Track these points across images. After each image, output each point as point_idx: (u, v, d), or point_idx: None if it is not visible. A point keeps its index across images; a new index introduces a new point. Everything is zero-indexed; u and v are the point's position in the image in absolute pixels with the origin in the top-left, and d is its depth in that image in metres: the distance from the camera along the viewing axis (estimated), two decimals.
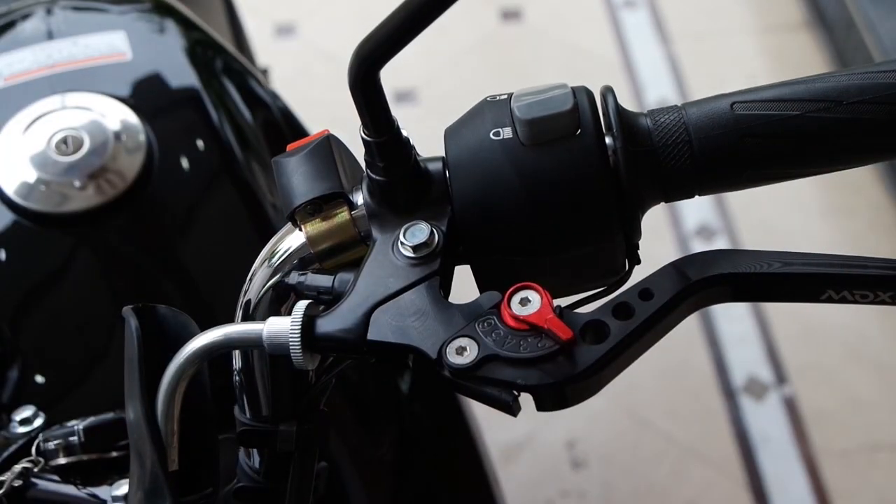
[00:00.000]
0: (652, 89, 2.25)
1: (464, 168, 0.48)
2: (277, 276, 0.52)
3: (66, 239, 0.82)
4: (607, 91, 0.49)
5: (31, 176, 0.81)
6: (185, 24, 0.98)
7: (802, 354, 1.83)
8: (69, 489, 0.67)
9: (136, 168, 0.83)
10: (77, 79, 0.88)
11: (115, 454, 0.68)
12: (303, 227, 0.50)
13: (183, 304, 0.70)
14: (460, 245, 0.49)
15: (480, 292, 0.48)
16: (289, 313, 0.47)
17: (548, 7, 2.42)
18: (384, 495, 0.84)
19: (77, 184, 0.81)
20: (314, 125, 0.78)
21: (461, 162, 0.48)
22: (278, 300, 0.52)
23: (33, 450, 0.67)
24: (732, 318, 1.88)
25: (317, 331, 0.47)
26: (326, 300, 0.49)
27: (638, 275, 0.49)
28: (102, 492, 0.66)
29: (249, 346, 0.48)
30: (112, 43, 0.91)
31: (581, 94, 0.48)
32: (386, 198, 0.49)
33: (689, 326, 1.85)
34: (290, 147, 0.52)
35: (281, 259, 0.52)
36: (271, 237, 0.53)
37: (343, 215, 0.50)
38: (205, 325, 0.50)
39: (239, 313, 0.54)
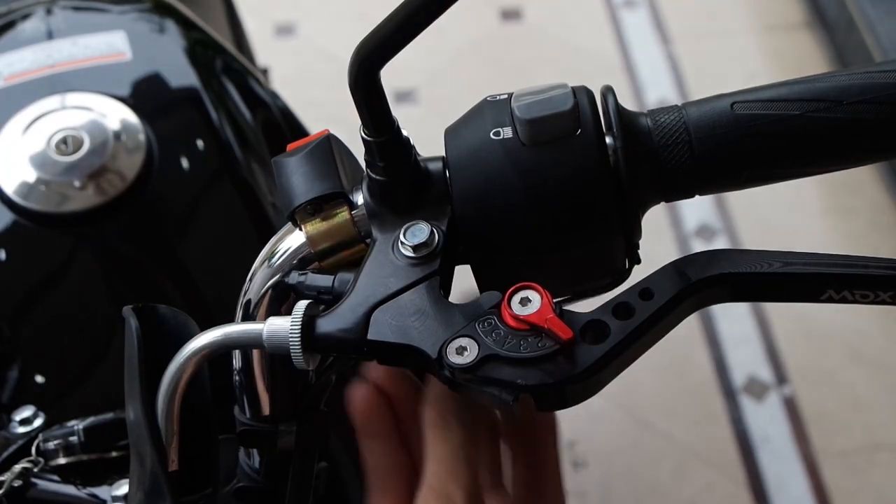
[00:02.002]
0: (652, 89, 2.25)
1: (464, 168, 0.48)
2: (277, 275, 0.52)
3: (66, 239, 0.82)
4: (607, 91, 0.49)
5: (31, 176, 0.81)
6: (185, 24, 0.98)
7: (802, 354, 1.83)
8: (69, 489, 0.67)
9: (136, 168, 0.83)
10: (77, 79, 0.88)
11: (115, 454, 0.68)
12: (303, 226, 0.50)
13: (183, 304, 0.70)
14: (460, 245, 0.49)
15: (480, 292, 0.48)
16: (289, 313, 0.47)
17: (548, 7, 2.42)
18: None
19: (77, 184, 0.81)
20: (314, 125, 0.78)
21: (461, 162, 0.48)
22: (278, 300, 0.52)
23: (33, 450, 0.67)
24: (732, 318, 1.88)
25: (317, 331, 0.47)
26: (326, 300, 0.49)
27: (638, 275, 0.49)
28: (102, 492, 0.66)
29: (249, 345, 0.48)
30: (112, 43, 0.91)
31: (581, 94, 0.48)
32: (386, 197, 0.49)
33: (689, 326, 1.85)
34: (290, 147, 0.52)
35: (281, 259, 0.52)
36: (271, 237, 0.53)
37: (343, 215, 0.50)
38: (205, 325, 0.50)
39: (239, 313, 0.54)
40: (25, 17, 0.95)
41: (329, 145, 0.51)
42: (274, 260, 0.52)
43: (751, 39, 2.34)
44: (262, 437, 0.56)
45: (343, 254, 0.51)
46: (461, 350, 0.44)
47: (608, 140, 0.48)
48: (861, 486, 1.68)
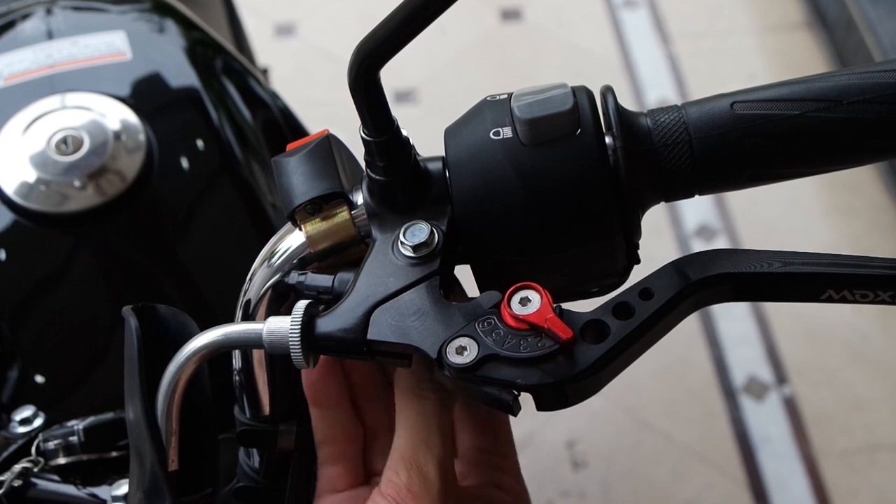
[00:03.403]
0: (652, 89, 2.25)
1: (464, 168, 0.48)
2: (277, 275, 0.52)
3: (66, 239, 0.82)
4: (607, 91, 0.49)
5: (31, 176, 0.81)
6: (185, 24, 0.98)
7: (802, 354, 1.83)
8: (69, 489, 0.67)
9: (136, 168, 0.83)
10: (77, 79, 0.88)
11: (115, 454, 0.68)
12: (303, 226, 0.50)
13: (183, 304, 0.70)
14: (460, 245, 0.49)
15: (480, 292, 0.48)
16: (289, 313, 0.47)
17: (548, 7, 2.42)
18: None
19: (77, 184, 0.81)
20: (314, 125, 0.78)
21: (461, 162, 0.48)
22: (278, 300, 0.52)
23: (33, 450, 0.67)
24: (732, 318, 1.88)
25: (317, 330, 0.47)
26: (326, 300, 0.49)
27: (638, 274, 0.49)
28: (102, 492, 0.66)
29: (249, 345, 0.48)
30: (112, 43, 0.91)
31: (581, 94, 0.48)
32: (386, 197, 0.49)
33: (689, 326, 1.85)
34: (289, 147, 0.52)
35: (281, 259, 0.52)
36: (271, 237, 0.53)
37: (343, 215, 0.50)
38: (205, 325, 0.50)
39: (239, 313, 0.54)
40: (25, 17, 0.95)
41: (329, 145, 0.51)
42: (274, 260, 0.52)
43: (751, 39, 2.34)
44: (262, 437, 0.56)
45: (343, 253, 0.51)
46: (461, 350, 0.44)
47: (608, 140, 0.48)
48: (861, 486, 1.68)
